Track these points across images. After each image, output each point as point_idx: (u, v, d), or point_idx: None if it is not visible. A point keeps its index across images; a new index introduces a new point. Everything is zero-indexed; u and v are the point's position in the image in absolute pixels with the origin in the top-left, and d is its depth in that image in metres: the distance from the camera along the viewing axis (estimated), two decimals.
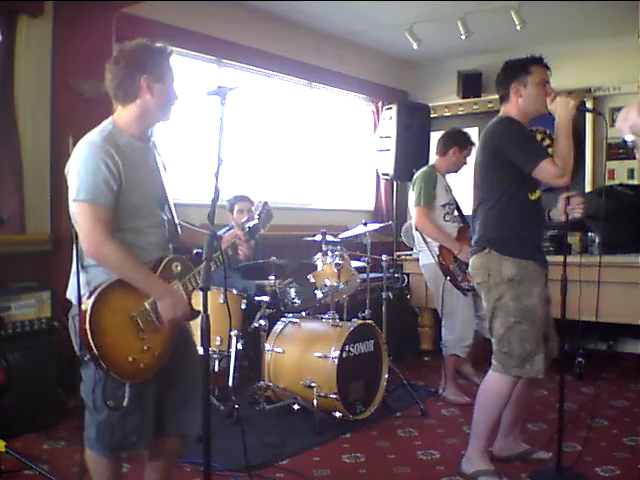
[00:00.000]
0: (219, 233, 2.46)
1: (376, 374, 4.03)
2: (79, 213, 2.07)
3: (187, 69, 5.36)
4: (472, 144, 4.47)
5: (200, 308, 2.08)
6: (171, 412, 2.27)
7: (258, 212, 2.55)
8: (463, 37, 5.71)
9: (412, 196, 4.40)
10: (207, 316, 2.03)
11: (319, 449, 3.46)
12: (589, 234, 5.11)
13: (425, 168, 4.48)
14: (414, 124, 5.92)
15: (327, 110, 6.74)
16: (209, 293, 2.06)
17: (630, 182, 5.93)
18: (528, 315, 2.86)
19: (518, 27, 5.45)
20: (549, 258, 3.05)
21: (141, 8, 4.64)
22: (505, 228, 2.91)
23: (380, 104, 6.99)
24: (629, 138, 1.05)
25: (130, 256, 2.08)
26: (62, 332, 3.90)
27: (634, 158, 1.35)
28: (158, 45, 2.19)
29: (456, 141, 4.47)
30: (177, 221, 2.34)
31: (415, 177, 4.45)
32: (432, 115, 6.34)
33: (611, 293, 4.14)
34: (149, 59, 2.15)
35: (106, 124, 2.17)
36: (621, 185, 5.51)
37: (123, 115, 2.18)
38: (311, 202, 6.52)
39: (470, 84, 6.89)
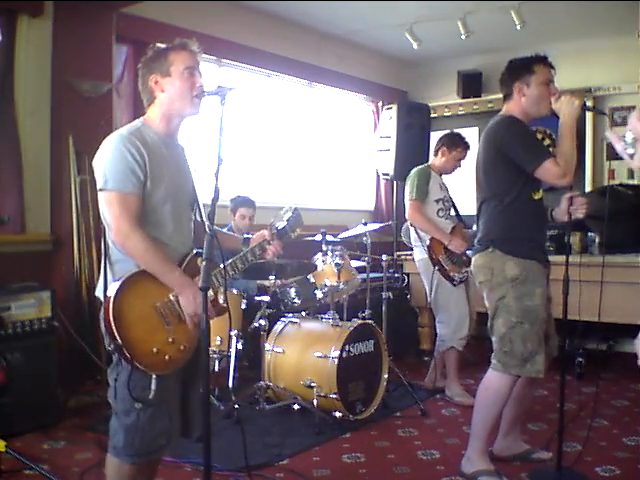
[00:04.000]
0: (247, 236, 2.51)
1: (376, 374, 4.03)
2: (106, 202, 2.09)
3: None
4: (465, 147, 4.53)
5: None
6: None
7: (287, 217, 2.55)
8: (463, 37, 5.71)
9: (406, 191, 4.46)
10: (207, 316, 2.03)
11: (319, 449, 3.46)
12: (589, 234, 5.11)
13: (421, 166, 4.54)
14: (414, 124, 5.92)
15: (327, 110, 6.74)
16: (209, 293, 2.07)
17: (630, 182, 5.93)
18: (530, 315, 2.85)
19: (518, 27, 5.45)
20: (549, 258, 3.05)
21: (141, 8, 4.64)
22: (509, 228, 2.91)
23: (380, 104, 7.00)
24: (629, 137, 1.06)
25: (155, 247, 2.08)
26: (62, 332, 3.93)
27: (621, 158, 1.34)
28: (169, 44, 2.24)
29: (445, 142, 4.53)
30: (206, 222, 2.35)
31: (410, 173, 4.52)
32: (432, 115, 6.34)
33: (611, 293, 4.12)
34: (154, 59, 2.21)
35: (136, 122, 2.22)
36: (621, 185, 5.51)
37: (150, 114, 2.24)
38: (311, 202, 6.51)
39: (470, 84, 6.89)
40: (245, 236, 2.52)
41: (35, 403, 3.60)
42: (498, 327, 2.93)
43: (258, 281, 4.47)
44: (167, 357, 2.07)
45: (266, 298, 3.99)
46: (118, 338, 1.97)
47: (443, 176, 4.54)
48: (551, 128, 6.02)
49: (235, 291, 4.12)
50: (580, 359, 4.78)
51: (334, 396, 3.70)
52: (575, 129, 2.81)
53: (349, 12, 5.70)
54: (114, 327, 1.96)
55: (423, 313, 5.52)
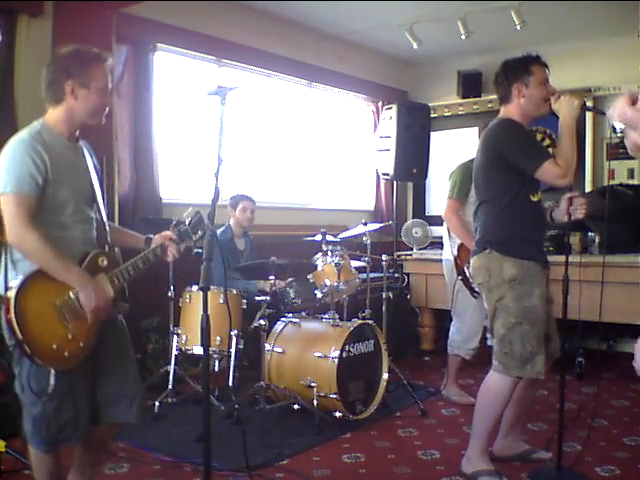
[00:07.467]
0: (149, 235, 2.49)
1: (376, 374, 4.03)
2: (4, 204, 2.12)
3: (187, 69, 5.36)
4: None
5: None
6: (105, 403, 2.31)
7: (189, 219, 2.55)
8: (463, 37, 5.71)
9: (448, 188, 4.27)
10: (207, 316, 2.03)
11: (319, 449, 3.46)
12: (589, 234, 5.11)
13: (465, 161, 4.26)
14: (414, 124, 5.92)
15: (327, 110, 6.74)
16: (209, 293, 2.07)
17: (630, 182, 5.94)
18: (529, 316, 2.85)
19: (518, 27, 5.45)
20: (549, 258, 3.04)
21: (141, 8, 4.63)
22: (506, 229, 2.91)
23: (380, 104, 6.99)
24: (618, 126, 1.08)
25: (50, 246, 2.11)
26: None
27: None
28: (91, 51, 2.24)
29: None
30: (105, 221, 2.37)
31: (454, 169, 4.32)
32: (432, 115, 6.34)
33: (611, 293, 4.13)
34: (75, 65, 2.20)
35: (36, 123, 2.25)
36: (621, 185, 5.51)
37: (52, 116, 2.25)
38: (311, 202, 6.51)
39: (470, 84, 6.88)
40: (147, 236, 2.51)
41: None
42: (497, 328, 2.92)
43: (258, 281, 4.47)
44: (66, 353, 2.11)
45: (266, 298, 3.99)
46: (19, 334, 2.00)
47: None
48: (551, 128, 6.02)
49: (235, 291, 4.12)
50: (580, 359, 4.78)
51: (334, 396, 3.70)
52: (575, 129, 2.81)
53: (349, 12, 5.70)
54: (15, 324, 2.00)
55: (423, 313, 5.52)
